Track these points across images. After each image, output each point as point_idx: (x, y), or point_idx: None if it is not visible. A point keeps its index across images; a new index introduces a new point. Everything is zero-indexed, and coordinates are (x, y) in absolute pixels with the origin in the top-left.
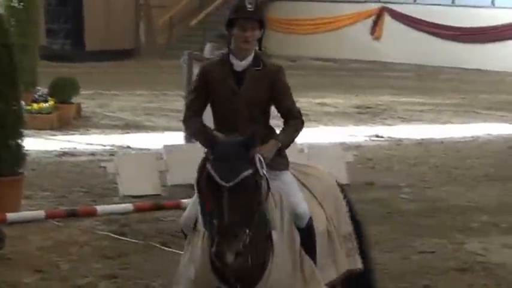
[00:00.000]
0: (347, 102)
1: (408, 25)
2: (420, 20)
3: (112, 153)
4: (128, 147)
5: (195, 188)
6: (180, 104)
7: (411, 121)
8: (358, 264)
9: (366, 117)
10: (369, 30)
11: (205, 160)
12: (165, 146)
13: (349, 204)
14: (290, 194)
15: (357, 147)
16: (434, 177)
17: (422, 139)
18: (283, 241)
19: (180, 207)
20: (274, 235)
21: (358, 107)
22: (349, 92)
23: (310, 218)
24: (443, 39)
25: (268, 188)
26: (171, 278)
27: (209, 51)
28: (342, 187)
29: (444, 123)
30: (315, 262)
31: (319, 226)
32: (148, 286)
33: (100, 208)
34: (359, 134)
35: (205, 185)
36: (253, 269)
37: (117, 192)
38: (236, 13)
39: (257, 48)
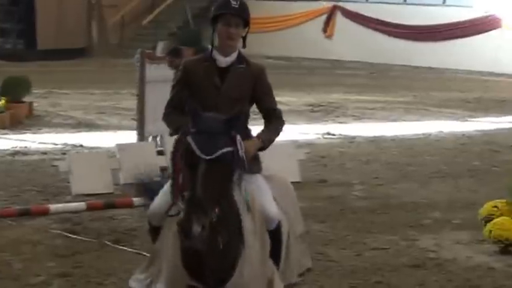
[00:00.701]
0: (299, 101)
1: (360, 23)
2: (372, 18)
3: (64, 152)
4: (81, 146)
5: (169, 161)
6: (132, 103)
7: (363, 119)
8: (309, 264)
9: (318, 115)
10: (321, 29)
11: (184, 133)
12: (118, 145)
13: None
14: (262, 197)
15: (309, 145)
16: (386, 174)
17: (375, 137)
18: (255, 239)
19: (132, 206)
20: (246, 232)
21: (310, 105)
22: (301, 90)
23: (279, 222)
24: (395, 38)
25: (242, 175)
26: (124, 275)
27: (161, 49)
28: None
29: (396, 120)
30: (278, 266)
31: (284, 229)
32: (101, 284)
33: (53, 207)
34: (311, 131)
35: (183, 156)
36: (224, 264)
37: (69, 190)
38: (221, 9)
39: (241, 46)
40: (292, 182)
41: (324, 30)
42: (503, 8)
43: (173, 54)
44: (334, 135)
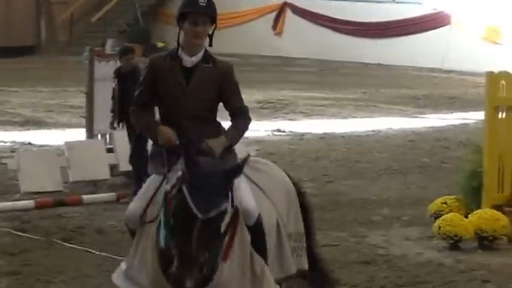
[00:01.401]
0: (249, 98)
1: (310, 20)
2: (322, 15)
3: (13, 150)
4: (29, 143)
5: (163, 199)
6: (81, 101)
7: (313, 116)
8: (305, 265)
9: (268, 112)
10: (271, 26)
11: (181, 179)
12: (66, 143)
13: (303, 202)
14: (239, 192)
15: (259, 142)
16: (336, 171)
17: (324, 133)
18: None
19: (81, 204)
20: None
21: (260, 102)
22: (251, 87)
23: (259, 216)
24: (345, 34)
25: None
26: (73, 273)
27: (110, 47)
28: (297, 185)
29: (346, 117)
30: (266, 260)
31: (269, 219)
32: (50, 282)
33: (1, 205)
34: (261, 128)
35: (178, 207)
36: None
37: (18, 188)
38: (188, 7)
39: (208, 44)
40: None
41: (274, 27)
42: (452, 5)
43: (127, 53)
44: (284, 132)
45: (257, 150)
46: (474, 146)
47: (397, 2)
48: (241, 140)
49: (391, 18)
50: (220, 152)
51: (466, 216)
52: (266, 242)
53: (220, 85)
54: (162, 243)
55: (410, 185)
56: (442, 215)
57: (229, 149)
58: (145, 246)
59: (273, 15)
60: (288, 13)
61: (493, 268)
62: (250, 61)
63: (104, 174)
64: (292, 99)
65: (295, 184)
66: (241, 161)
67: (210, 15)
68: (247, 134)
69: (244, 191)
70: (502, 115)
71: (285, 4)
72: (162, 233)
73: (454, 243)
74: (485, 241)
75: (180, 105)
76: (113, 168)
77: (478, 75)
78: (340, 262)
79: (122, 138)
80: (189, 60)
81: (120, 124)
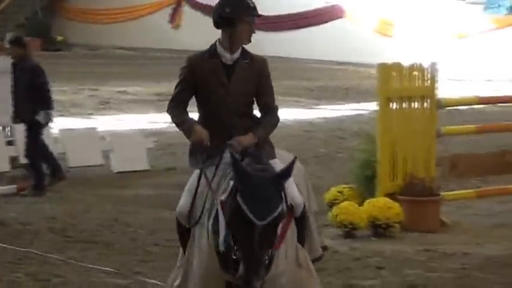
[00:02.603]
0: (147, 90)
1: (207, 14)
2: None
3: None
4: None
5: (219, 206)
6: None
7: None
8: (324, 241)
9: (166, 105)
10: (168, 20)
11: (234, 190)
12: None
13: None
14: (286, 185)
15: (157, 134)
16: None
17: None
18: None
19: None
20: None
21: (159, 95)
22: (149, 80)
23: (305, 207)
24: None
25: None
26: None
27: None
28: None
29: None
30: (304, 246)
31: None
32: None
33: None
34: (159, 121)
35: (235, 217)
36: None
37: None
38: (243, 10)
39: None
40: (140, 171)
41: (171, 21)
42: None
43: (15, 44)
44: None
45: (155, 142)
46: (367, 136)
47: None
48: (140, 132)
49: (288, 11)
50: (246, 148)
51: (361, 205)
52: (307, 231)
53: (258, 80)
54: (222, 248)
55: (308, 175)
56: (338, 203)
57: (267, 142)
58: (202, 247)
59: (170, 9)
60: (185, 7)
61: (386, 255)
62: (148, 54)
63: (4, 166)
64: None
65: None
66: (289, 164)
67: (257, 14)
68: (145, 126)
69: (289, 184)
70: (394, 106)
71: None
72: (222, 237)
73: (349, 231)
74: (379, 229)
75: (223, 103)
76: (14, 160)
77: (371, 67)
78: None
79: (22, 131)
80: (229, 58)
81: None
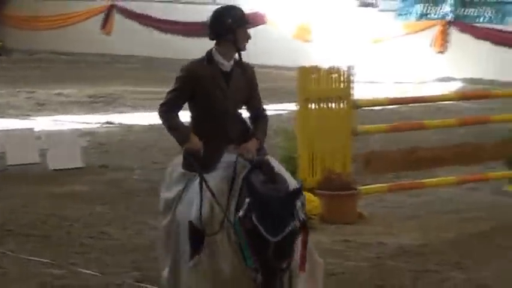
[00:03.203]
0: (81, 92)
1: (136, 20)
2: (145, 15)
3: None
4: None
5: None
6: None
7: (140, 108)
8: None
9: (99, 106)
10: (99, 26)
11: (248, 207)
12: None
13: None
14: (285, 175)
15: (91, 133)
16: (163, 159)
17: (151, 125)
18: None
19: None
20: None
21: (91, 97)
22: (83, 83)
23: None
24: (171, 34)
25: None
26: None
27: None
28: None
29: None
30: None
31: None
32: None
33: None
34: (93, 121)
35: (252, 233)
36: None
37: None
38: (242, 19)
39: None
40: (74, 168)
41: (103, 27)
42: (267, 5)
43: None
44: (113, 124)
45: (88, 141)
46: (288, 134)
47: (217, 4)
48: (73, 132)
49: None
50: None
51: None
52: (306, 220)
53: (250, 85)
54: (249, 264)
55: None
56: None
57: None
58: (224, 246)
59: (101, 16)
60: (116, 14)
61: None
62: (81, 58)
63: None
64: (122, 93)
65: None
66: (299, 184)
67: (249, 21)
68: (80, 126)
69: (286, 174)
70: (312, 106)
71: (112, 6)
72: (246, 253)
73: None
74: None
75: (222, 107)
76: None
77: (291, 70)
78: None
79: None
80: (227, 65)
81: None
